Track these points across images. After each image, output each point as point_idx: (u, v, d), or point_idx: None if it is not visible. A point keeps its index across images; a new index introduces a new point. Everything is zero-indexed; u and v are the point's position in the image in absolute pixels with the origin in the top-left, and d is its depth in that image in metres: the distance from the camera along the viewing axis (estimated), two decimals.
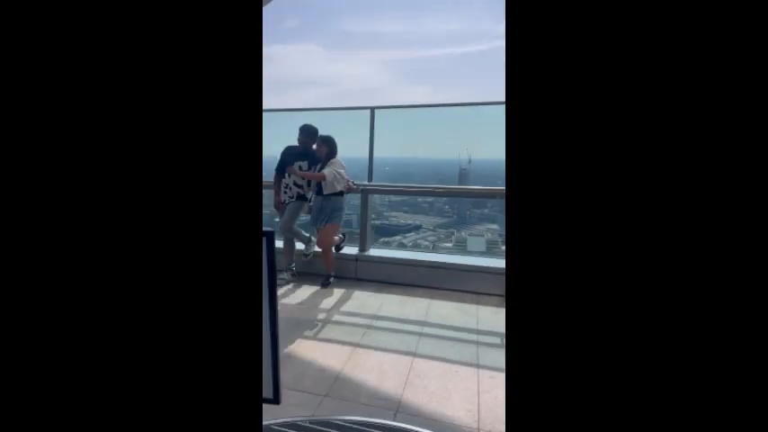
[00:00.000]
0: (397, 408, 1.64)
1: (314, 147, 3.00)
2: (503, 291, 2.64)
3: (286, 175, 3.05)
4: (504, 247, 3.27)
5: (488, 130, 3.57)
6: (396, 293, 2.91)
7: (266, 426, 0.77)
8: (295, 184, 3.04)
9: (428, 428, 0.77)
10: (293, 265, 3.17)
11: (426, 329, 2.35)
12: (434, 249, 4.09)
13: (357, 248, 3.29)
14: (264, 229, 0.61)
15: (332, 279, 3.05)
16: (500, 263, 2.96)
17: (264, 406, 0.58)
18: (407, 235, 4.60)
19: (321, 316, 2.53)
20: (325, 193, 2.90)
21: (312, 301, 2.74)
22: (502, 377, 1.84)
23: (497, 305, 2.75)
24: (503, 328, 2.17)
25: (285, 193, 3.07)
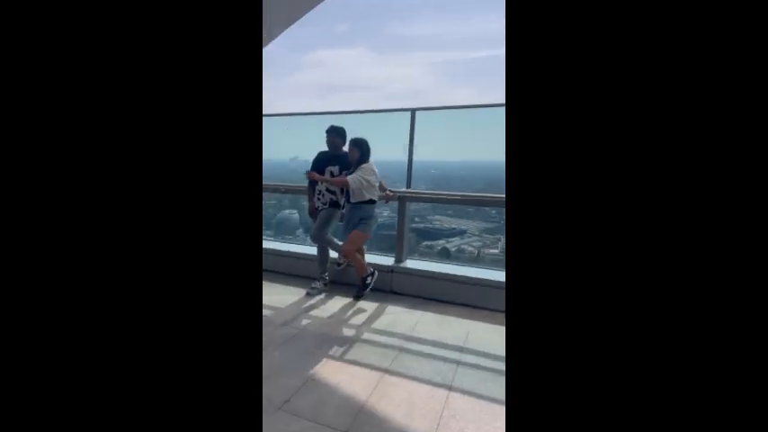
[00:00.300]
0: None
1: (344, 149, 2.84)
2: None
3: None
4: None
5: None
6: (432, 311, 2.67)
7: None
8: (327, 190, 2.91)
9: None
10: (326, 274, 3.04)
11: (465, 357, 2.10)
12: (479, 256, 3.80)
13: (393, 259, 3.09)
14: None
15: (369, 279, 2.86)
16: None
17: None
18: (451, 239, 4.43)
19: (350, 333, 2.36)
20: (352, 200, 2.73)
21: (342, 315, 2.59)
22: None
23: None
24: None
25: (318, 199, 2.95)
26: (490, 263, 3.63)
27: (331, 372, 1.93)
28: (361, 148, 2.74)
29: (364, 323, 2.49)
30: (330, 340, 2.26)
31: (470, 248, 4.28)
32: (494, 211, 4.69)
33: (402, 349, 2.16)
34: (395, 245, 3.11)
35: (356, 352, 2.14)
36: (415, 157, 3.13)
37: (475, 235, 4.52)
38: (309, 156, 3.09)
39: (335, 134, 2.89)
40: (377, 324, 2.48)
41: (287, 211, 4.74)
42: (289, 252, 3.39)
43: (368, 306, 2.74)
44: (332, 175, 2.84)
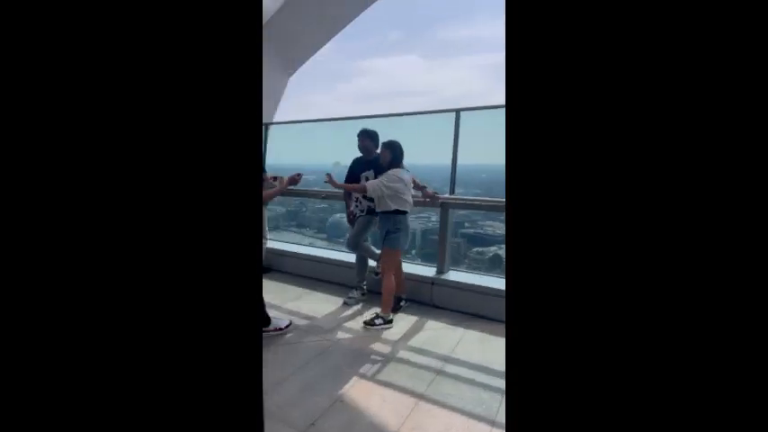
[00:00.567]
0: None
1: (377, 152, 2.68)
2: None
3: None
4: None
5: None
6: (476, 329, 2.43)
7: None
8: (364, 197, 2.79)
9: None
10: (365, 283, 2.92)
11: None
12: None
13: (435, 269, 2.90)
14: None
15: (403, 303, 2.71)
16: None
17: None
18: (503, 245, 4.10)
19: (385, 349, 2.21)
20: (377, 210, 2.55)
21: (378, 329, 2.44)
22: None
23: None
24: None
25: (356, 206, 2.85)
26: None
27: (361, 393, 1.78)
28: (393, 150, 2.49)
29: (400, 339, 2.32)
30: (363, 356, 2.12)
31: None
32: None
33: (440, 372, 1.97)
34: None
35: (390, 372, 1.98)
36: (463, 161, 2.90)
37: None
38: (348, 162, 3.01)
39: (367, 137, 2.73)
40: (414, 341, 2.31)
41: (338, 215, 4.72)
42: (327, 259, 3.33)
43: (405, 320, 2.57)
44: (367, 180, 2.71)
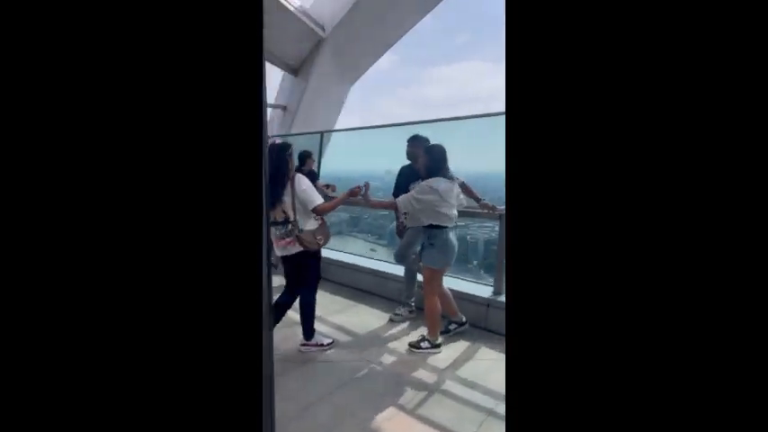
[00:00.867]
0: None
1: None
2: None
3: None
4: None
5: None
6: None
7: None
8: None
9: None
10: (413, 300, 2.72)
11: None
12: None
13: (492, 289, 2.60)
14: None
15: (455, 327, 2.45)
16: None
17: None
18: None
19: (430, 378, 1.98)
20: (408, 225, 2.31)
21: (423, 353, 2.22)
22: None
23: None
24: None
25: (405, 216, 2.66)
26: None
27: (398, 428, 1.59)
28: (431, 156, 2.17)
29: (448, 368, 2.08)
30: (404, 384, 1.92)
31: None
32: None
33: (491, 413, 1.69)
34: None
35: (433, 406, 1.75)
36: None
37: None
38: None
39: (416, 143, 2.49)
40: (463, 371, 2.05)
41: None
42: (375, 270, 3.18)
43: (455, 346, 2.32)
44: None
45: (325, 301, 2.94)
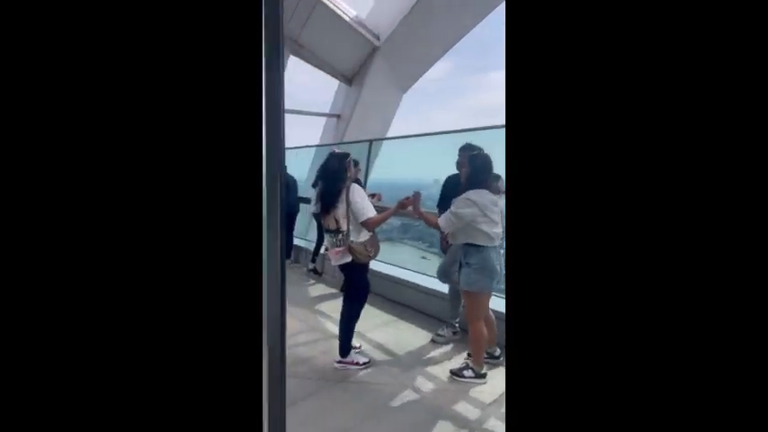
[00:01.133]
0: None
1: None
2: None
3: None
4: None
5: None
6: None
7: None
8: None
9: None
10: (457, 320, 2.52)
11: None
12: None
13: None
14: None
15: (499, 354, 2.21)
16: None
17: None
18: None
19: (473, 413, 1.78)
20: (450, 241, 2.10)
21: (467, 382, 2.02)
22: None
23: None
24: None
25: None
26: None
27: None
28: (474, 165, 1.97)
29: (493, 403, 1.86)
30: (443, 417, 1.74)
31: None
32: None
33: None
34: None
35: None
36: None
37: None
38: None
39: (467, 152, 2.26)
40: None
41: None
42: (418, 285, 3.02)
43: (502, 377, 2.08)
44: None
45: (365, 315, 2.84)
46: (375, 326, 2.70)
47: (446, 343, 2.46)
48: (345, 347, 2.16)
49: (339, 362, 2.15)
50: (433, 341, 2.48)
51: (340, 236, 2.07)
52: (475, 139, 2.39)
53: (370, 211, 2.04)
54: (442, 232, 2.45)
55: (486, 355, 2.11)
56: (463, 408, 1.82)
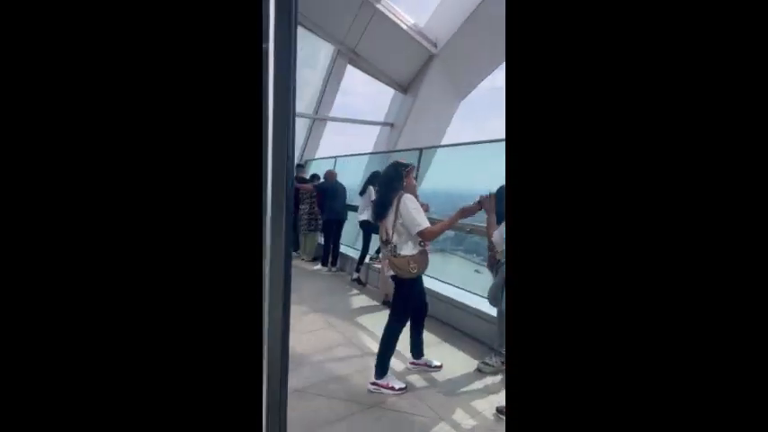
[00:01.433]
0: None
1: None
2: None
3: None
4: None
5: None
6: None
7: None
8: None
9: None
10: (504, 348, 2.25)
11: None
12: None
13: None
14: None
15: None
16: None
17: None
18: None
19: None
20: (498, 258, 1.88)
21: None
22: None
23: None
24: None
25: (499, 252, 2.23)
26: None
27: None
28: None
29: None
30: None
31: None
32: None
33: None
34: None
35: None
36: None
37: None
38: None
39: None
40: None
41: None
42: (466, 306, 2.78)
43: None
44: None
45: (406, 334, 2.68)
46: None
47: (493, 373, 2.20)
48: (382, 368, 2.01)
49: (374, 384, 2.00)
50: (478, 370, 2.23)
51: (389, 247, 1.98)
52: None
53: (424, 221, 1.89)
54: (491, 249, 2.22)
55: None
56: None
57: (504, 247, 1.81)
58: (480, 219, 2.27)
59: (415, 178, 2.16)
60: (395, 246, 1.96)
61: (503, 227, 1.81)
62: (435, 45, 6.30)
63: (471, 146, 3.99)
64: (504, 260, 1.99)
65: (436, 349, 2.48)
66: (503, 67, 6.53)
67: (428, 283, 3.15)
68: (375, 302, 3.38)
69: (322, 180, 4.62)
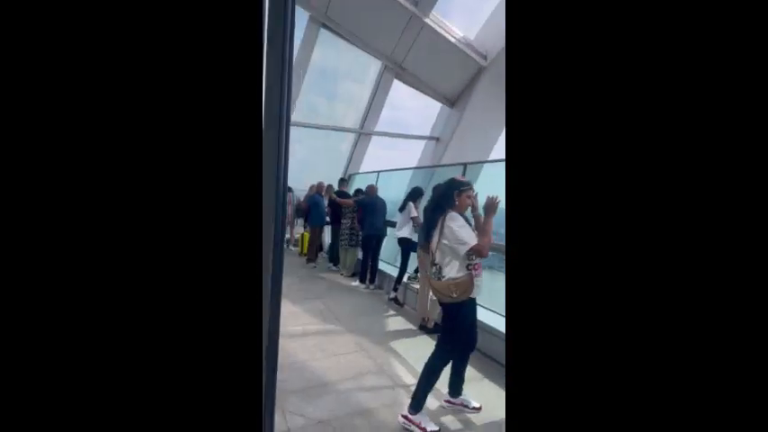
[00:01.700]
0: None
1: None
2: None
3: None
4: None
5: None
6: None
7: None
8: None
9: None
10: None
11: None
12: None
13: None
14: None
15: None
16: None
17: None
18: None
19: None
20: None
21: None
22: None
23: None
24: None
25: None
26: None
27: None
28: None
29: None
30: None
31: None
32: None
33: None
34: None
35: None
36: None
37: None
38: None
39: None
40: None
41: None
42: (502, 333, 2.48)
43: None
44: None
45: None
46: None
47: None
48: (417, 403, 1.80)
49: (405, 417, 1.79)
50: None
51: (434, 269, 1.83)
52: None
53: (471, 239, 1.72)
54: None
55: None
56: None
57: None
58: None
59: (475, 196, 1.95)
60: (439, 268, 1.80)
61: None
62: (485, 58, 6.09)
63: None
64: None
65: (476, 387, 2.22)
66: None
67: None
68: (411, 326, 3.17)
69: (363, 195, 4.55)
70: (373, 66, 6.28)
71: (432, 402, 1.98)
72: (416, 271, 3.69)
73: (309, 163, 6.91)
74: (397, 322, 3.29)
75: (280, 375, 2.18)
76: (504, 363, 2.47)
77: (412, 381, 2.17)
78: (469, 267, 1.75)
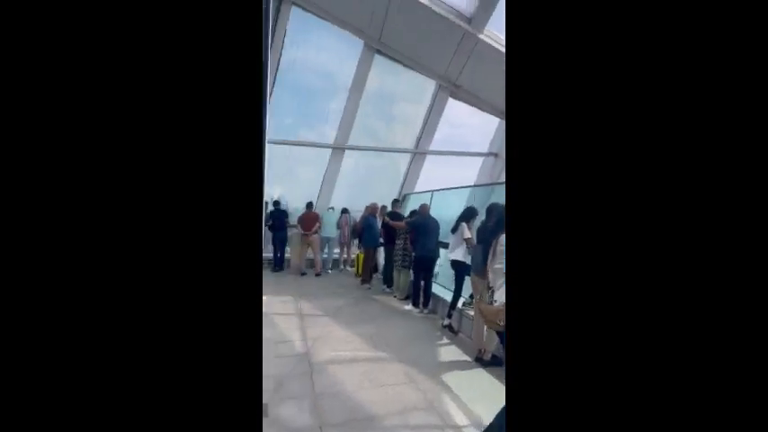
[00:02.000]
0: None
1: None
2: None
3: None
4: None
5: None
6: None
7: None
8: None
9: None
10: None
11: None
12: None
13: None
14: None
15: None
16: None
17: None
18: None
19: None
20: None
21: None
22: None
23: None
24: None
25: None
26: None
27: None
28: None
29: None
30: None
31: None
32: None
33: None
34: None
35: None
36: None
37: None
38: None
39: None
40: None
41: None
42: None
43: None
44: None
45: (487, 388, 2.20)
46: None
47: None
48: None
49: None
50: None
51: (489, 292, 1.78)
52: None
53: None
54: None
55: None
56: None
57: None
58: None
59: None
60: (492, 291, 1.72)
61: None
62: None
63: None
64: None
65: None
66: None
67: None
68: (467, 357, 2.94)
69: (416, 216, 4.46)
70: (429, 86, 6.27)
71: None
72: (471, 296, 3.46)
73: (367, 184, 7.02)
74: (450, 352, 3.08)
75: (323, 403, 2.10)
76: None
77: (464, 421, 1.98)
78: None
